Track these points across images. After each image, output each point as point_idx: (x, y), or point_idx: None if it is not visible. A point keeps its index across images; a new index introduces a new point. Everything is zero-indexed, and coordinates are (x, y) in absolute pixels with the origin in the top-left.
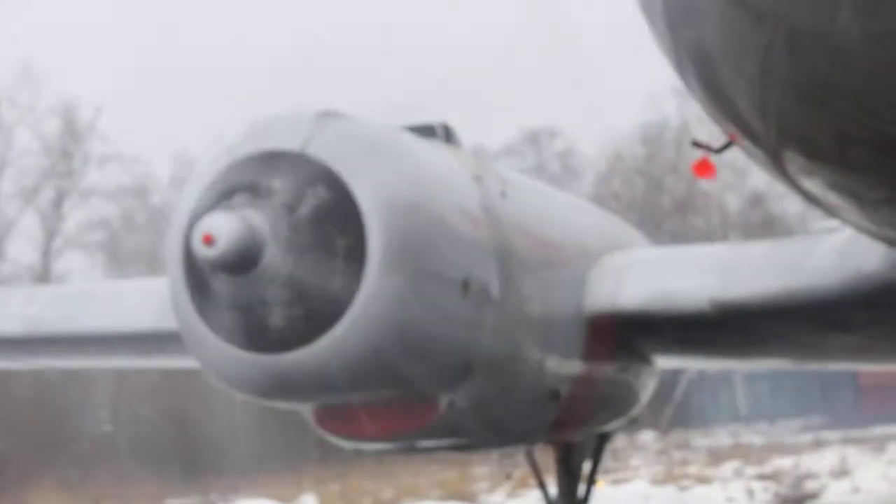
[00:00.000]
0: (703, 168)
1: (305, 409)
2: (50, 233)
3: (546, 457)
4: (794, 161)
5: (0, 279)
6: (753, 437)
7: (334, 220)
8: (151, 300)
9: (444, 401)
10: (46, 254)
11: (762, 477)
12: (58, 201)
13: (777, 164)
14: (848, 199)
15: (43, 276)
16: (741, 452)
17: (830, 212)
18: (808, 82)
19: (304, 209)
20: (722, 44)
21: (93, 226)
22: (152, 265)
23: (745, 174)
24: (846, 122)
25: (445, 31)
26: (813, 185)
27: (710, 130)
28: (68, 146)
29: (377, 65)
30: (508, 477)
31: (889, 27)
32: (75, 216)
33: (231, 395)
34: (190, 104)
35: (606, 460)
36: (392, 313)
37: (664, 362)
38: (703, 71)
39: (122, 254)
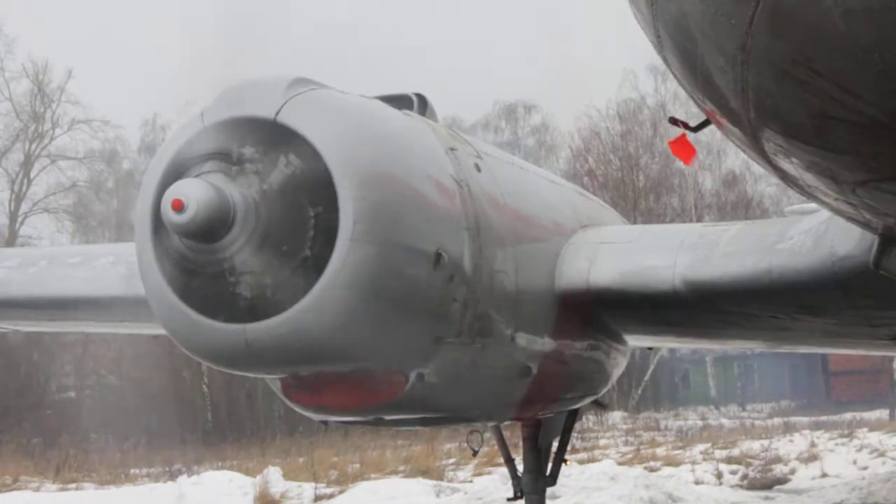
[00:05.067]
0: (683, 151)
1: (273, 380)
2: (17, 196)
3: (514, 434)
4: (771, 141)
5: None
6: (723, 419)
7: (306, 189)
8: (119, 265)
9: (412, 374)
10: (13, 217)
11: (731, 460)
12: (26, 164)
13: (755, 144)
14: (825, 181)
15: (10, 240)
16: (710, 435)
17: (807, 193)
18: (789, 61)
19: (276, 177)
20: (702, 20)
21: (61, 190)
22: (120, 231)
23: (720, 155)
24: (826, 102)
25: (425, 5)
26: (790, 165)
27: (686, 110)
28: (38, 109)
29: (354, 37)
30: (475, 454)
31: (872, 5)
32: (43, 180)
33: (197, 364)
34: (162, 70)
35: (575, 440)
36: (362, 284)
37: (635, 341)
38: (683, 47)
39: (90, 219)
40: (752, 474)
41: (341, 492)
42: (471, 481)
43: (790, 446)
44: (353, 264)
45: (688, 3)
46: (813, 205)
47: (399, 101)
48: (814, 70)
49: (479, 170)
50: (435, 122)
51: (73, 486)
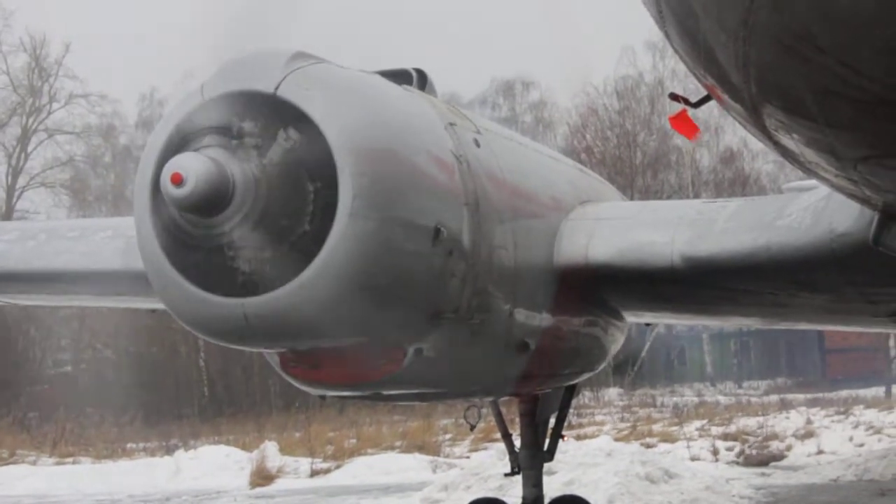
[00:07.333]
0: (685, 127)
1: (271, 355)
2: (15, 170)
3: (511, 409)
4: (773, 116)
5: None
6: (719, 396)
7: (305, 164)
8: (118, 240)
9: (410, 349)
10: (10, 191)
11: (727, 437)
12: (23, 139)
13: (755, 120)
14: (826, 157)
15: (6, 214)
16: (706, 412)
17: (807, 169)
18: (791, 36)
19: (276, 152)
20: None
21: (58, 164)
22: (117, 206)
23: (718, 132)
24: (828, 78)
25: None
26: (791, 141)
27: (684, 87)
28: (35, 83)
29: (354, 11)
30: (473, 429)
31: None
32: (41, 154)
33: (194, 339)
34: (159, 44)
35: (571, 416)
36: (361, 259)
37: (633, 317)
38: (684, 22)
39: (87, 193)
40: (748, 451)
41: (338, 467)
42: (467, 457)
43: (786, 423)
44: (351, 239)
45: None
46: (811, 181)
47: (399, 77)
48: (816, 45)
49: (478, 145)
50: (434, 97)
51: (70, 460)
